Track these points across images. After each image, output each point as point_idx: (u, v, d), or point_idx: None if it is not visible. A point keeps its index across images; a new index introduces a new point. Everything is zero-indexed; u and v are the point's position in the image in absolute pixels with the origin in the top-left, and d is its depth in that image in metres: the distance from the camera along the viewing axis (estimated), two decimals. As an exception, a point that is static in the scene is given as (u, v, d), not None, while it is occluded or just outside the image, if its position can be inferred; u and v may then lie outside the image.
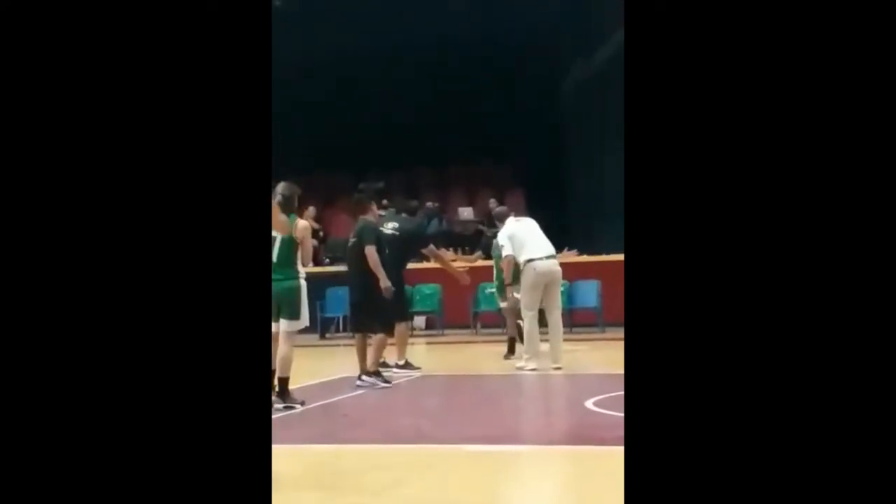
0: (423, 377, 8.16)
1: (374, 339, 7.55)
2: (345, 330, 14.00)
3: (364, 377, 7.46)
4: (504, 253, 8.50)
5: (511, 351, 9.26)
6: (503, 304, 9.41)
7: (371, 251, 7.53)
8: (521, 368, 8.19)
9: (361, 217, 7.81)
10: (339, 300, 13.49)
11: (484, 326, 13.31)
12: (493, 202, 15.39)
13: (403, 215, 8.87)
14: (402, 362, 8.46)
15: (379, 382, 7.41)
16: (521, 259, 8.29)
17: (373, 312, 7.51)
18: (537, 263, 8.21)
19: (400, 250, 8.18)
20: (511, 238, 8.42)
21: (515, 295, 8.55)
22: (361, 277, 7.51)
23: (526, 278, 8.26)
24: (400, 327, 8.23)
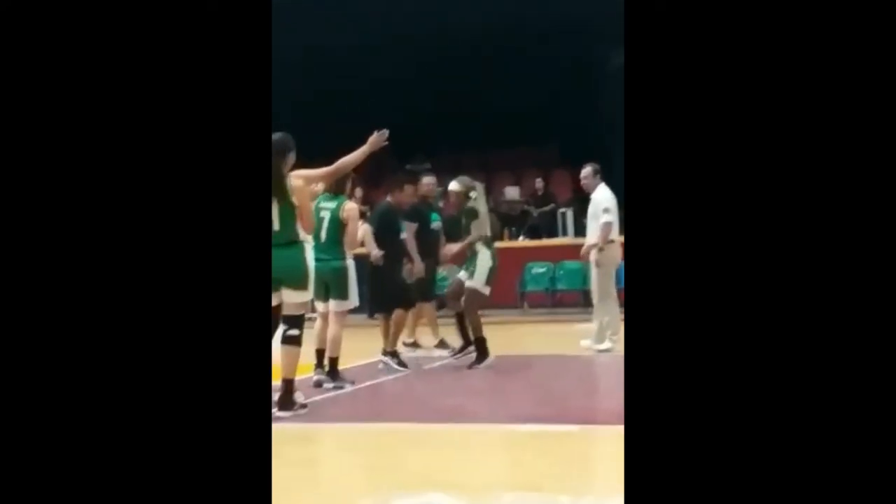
0: (469, 357, 8.18)
1: (392, 317, 7.46)
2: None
3: (383, 357, 7.40)
4: (608, 219, 7.94)
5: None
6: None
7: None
8: (590, 348, 8.14)
9: (388, 200, 7.77)
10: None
11: (531, 306, 13.29)
12: (538, 181, 15.32)
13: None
14: (437, 341, 8.41)
15: (392, 364, 7.31)
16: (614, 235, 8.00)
17: (389, 292, 7.46)
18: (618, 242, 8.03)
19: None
20: (614, 207, 7.97)
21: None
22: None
23: (614, 257, 8.08)
24: (426, 306, 8.20)
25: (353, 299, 6.62)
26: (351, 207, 6.60)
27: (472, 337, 7.40)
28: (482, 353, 7.25)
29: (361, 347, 7.64)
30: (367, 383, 6.69)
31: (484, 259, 7.29)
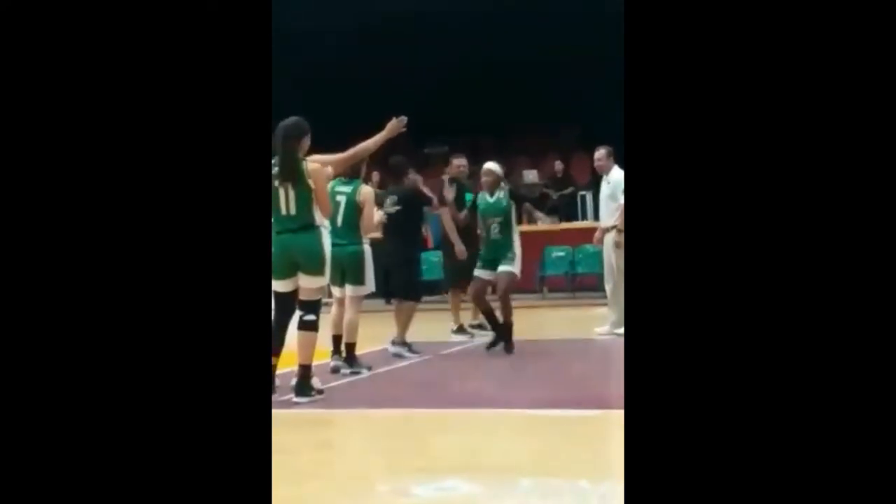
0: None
1: (401, 307, 7.36)
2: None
3: (392, 345, 7.29)
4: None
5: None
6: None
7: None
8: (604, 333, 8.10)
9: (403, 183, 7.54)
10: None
11: (551, 290, 13.24)
12: (558, 164, 15.24)
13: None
14: (475, 322, 8.37)
15: (404, 352, 7.20)
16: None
17: (402, 280, 7.35)
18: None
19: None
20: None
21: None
22: (393, 244, 7.28)
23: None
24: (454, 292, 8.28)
25: (370, 285, 6.58)
26: (367, 191, 6.56)
27: (500, 321, 7.30)
28: (510, 338, 7.19)
29: (378, 333, 7.62)
30: (384, 368, 6.66)
31: (518, 244, 7.28)
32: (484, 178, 7.41)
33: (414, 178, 7.72)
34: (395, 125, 5.76)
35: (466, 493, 3.32)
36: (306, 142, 5.33)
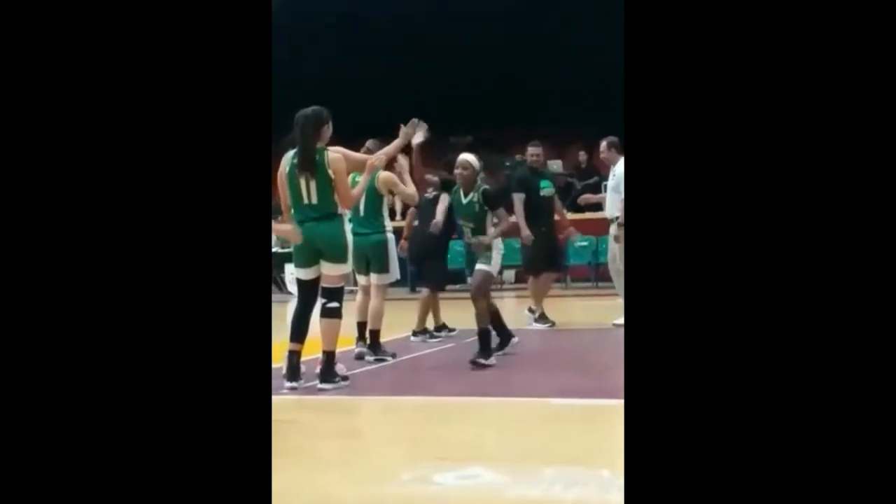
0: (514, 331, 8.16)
1: (422, 296, 7.57)
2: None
3: (414, 335, 7.47)
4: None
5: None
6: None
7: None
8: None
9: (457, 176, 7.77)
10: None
11: (574, 280, 13.23)
12: (582, 154, 15.19)
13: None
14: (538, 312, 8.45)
15: (428, 340, 7.37)
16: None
17: (431, 270, 7.53)
18: None
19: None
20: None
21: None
22: (424, 234, 7.44)
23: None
24: (543, 277, 8.39)
25: (395, 272, 6.62)
26: (386, 176, 6.57)
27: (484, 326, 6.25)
28: (488, 346, 6.09)
29: (403, 321, 7.66)
30: (409, 356, 6.70)
31: (499, 241, 6.28)
32: (458, 172, 6.20)
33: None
34: (409, 130, 5.79)
35: (489, 482, 3.35)
36: (327, 131, 5.35)
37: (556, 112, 16.55)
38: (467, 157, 6.22)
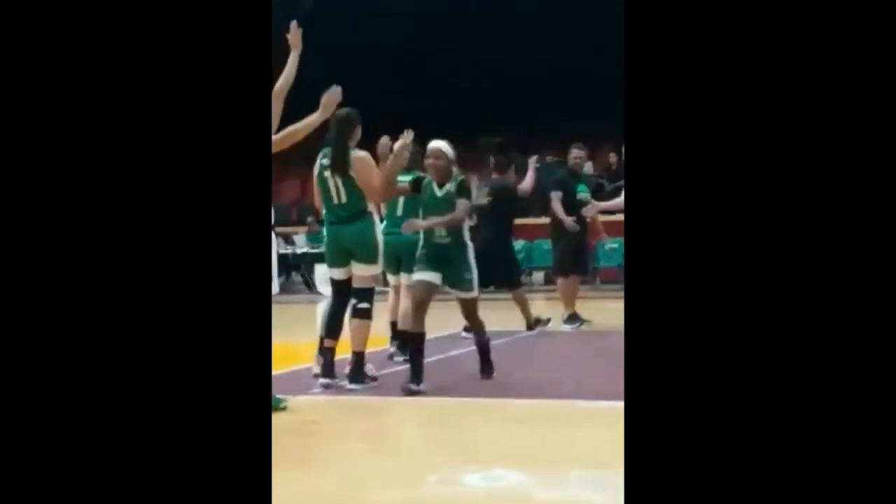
0: (543, 333, 8.15)
1: (516, 295, 8.02)
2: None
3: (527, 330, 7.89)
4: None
5: None
6: None
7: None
8: None
9: (498, 177, 8.10)
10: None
11: (604, 282, 13.19)
12: (612, 156, 15.12)
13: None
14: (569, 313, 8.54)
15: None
16: None
17: (502, 269, 7.76)
18: None
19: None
20: None
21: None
22: (486, 235, 7.55)
23: None
24: (566, 281, 8.51)
25: None
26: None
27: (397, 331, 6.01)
28: (489, 357, 5.71)
29: (434, 321, 7.66)
30: (439, 356, 6.71)
31: (472, 254, 5.55)
32: (429, 161, 5.45)
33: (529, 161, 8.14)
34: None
35: (516, 484, 3.35)
36: (358, 132, 5.41)
37: (587, 113, 16.51)
38: (439, 144, 5.44)
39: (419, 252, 5.49)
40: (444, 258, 5.39)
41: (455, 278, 5.40)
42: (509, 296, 8.34)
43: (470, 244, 5.50)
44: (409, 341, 5.50)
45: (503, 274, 7.88)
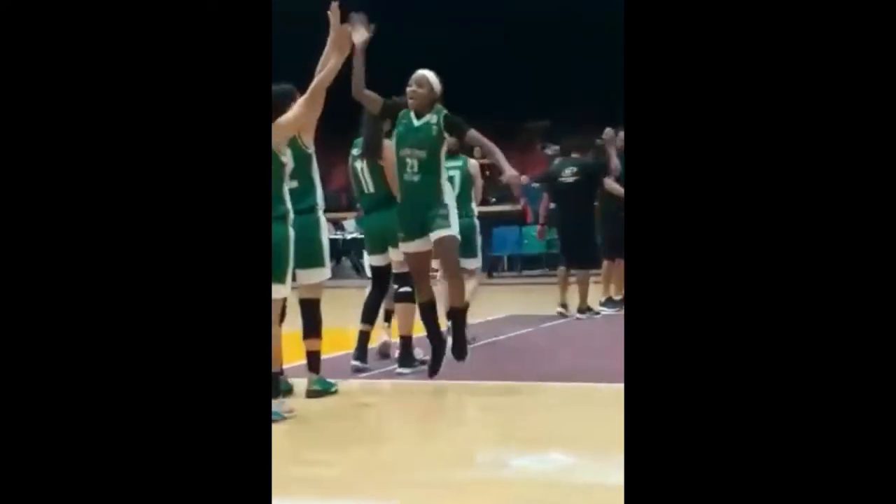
0: (602, 317, 8.16)
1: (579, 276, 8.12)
2: (511, 269, 14.07)
3: (578, 314, 8.03)
4: None
5: None
6: None
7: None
8: None
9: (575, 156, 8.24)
10: (505, 239, 13.56)
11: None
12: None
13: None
14: (603, 299, 8.63)
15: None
16: None
17: (581, 251, 8.05)
18: None
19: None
20: None
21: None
22: (569, 214, 8.00)
23: None
24: (612, 264, 8.56)
25: (479, 258, 6.69)
26: (474, 163, 6.63)
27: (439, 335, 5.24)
28: (463, 335, 5.20)
29: (481, 305, 7.69)
30: (487, 340, 6.73)
31: (452, 196, 5.15)
32: (411, 90, 4.91)
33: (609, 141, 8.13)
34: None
35: (566, 467, 3.36)
36: (388, 121, 5.38)
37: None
38: (426, 73, 4.95)
39: (400, 208, 5.05)
40: (418, 203, 4.93)
41: (428, 219, 4.89)
42: (552, 279, 8.44)
43: (445, 180, 5.08)
44: (453, 316, 5.12)
45: (585, 255, 8.09)
